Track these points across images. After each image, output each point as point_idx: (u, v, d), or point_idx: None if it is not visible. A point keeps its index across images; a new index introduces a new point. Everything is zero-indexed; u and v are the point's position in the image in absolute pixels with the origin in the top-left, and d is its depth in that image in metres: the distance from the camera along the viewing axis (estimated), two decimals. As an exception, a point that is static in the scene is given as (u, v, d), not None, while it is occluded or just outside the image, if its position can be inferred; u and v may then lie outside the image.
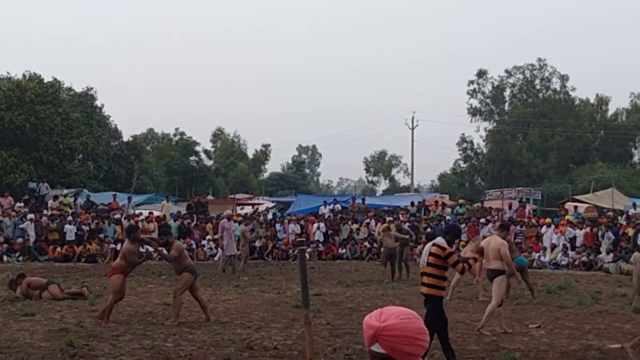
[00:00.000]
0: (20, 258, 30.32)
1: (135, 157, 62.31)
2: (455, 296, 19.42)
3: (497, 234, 14.94)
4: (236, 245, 26.53)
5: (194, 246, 33.93)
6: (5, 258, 29.93)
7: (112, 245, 32.09)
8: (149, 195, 50.61)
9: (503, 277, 14.02)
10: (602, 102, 79.58)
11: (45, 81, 52.03)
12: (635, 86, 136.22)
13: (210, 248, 34.00)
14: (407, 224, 35.16)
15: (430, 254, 10.85)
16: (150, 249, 19.90)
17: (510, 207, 38.22)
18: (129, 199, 39.25)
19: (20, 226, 32.25)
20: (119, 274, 14.56)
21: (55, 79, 57.35)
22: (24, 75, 51.19)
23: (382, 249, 26.11)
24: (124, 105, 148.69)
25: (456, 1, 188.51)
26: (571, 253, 31.79)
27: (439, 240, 11.08)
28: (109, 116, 64.04)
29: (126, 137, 65.84)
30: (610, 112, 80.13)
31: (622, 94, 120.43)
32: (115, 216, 35.25)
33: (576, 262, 30.85)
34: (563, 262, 31.05)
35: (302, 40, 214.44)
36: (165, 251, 15.09)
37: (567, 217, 35.83)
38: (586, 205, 41.06)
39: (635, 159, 79.00)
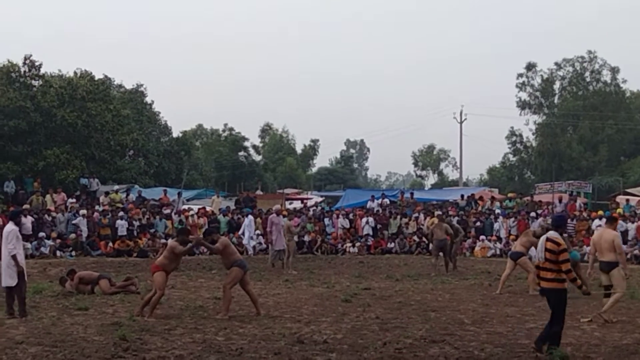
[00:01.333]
0: (73, 253, 30.72)
1: (185, 152, 62.64)
2: (506, 290, 19.30)
3: (607, 226, 15.24)
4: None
5: (244, 241, 34.11)
6: (58, 253, 30.32)
7: (163, 240, 32.33)
8: (199, 191, 50.95)
9: (619, 267, 14.34)
10: (653, 94, 78.55)
11: (96, 78, 52.47)
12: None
13: (260, 242, 34.15)
14: (456, 218, 35.03)
15: (546, 249, 11.12)
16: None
17: (560, 200, 37.82)
18: (179, 194, 39.53)
19: (73, 222, 32.69)
20: (160, 271, 14.71)
21: (106, 76, 57.82)
22: (75, 73, 51.62)
23: (432, 241, 26.16)
24: (173, 101, 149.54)
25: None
26: (623, 246, 31.36)
27: (553, 234, 11.29)
28: (159, 112, 64.50)
29: (176, 133, 66.26)
30: (662, 104, 79.04)
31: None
32: (166, 211, 35.55)
33: (628, 256, 30.46)
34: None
35: (349, 34, 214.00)
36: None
37: (618, 210, 35.36)
38: (638, 198, 40.57)
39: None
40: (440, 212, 30.86)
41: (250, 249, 32.88)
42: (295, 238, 28.39)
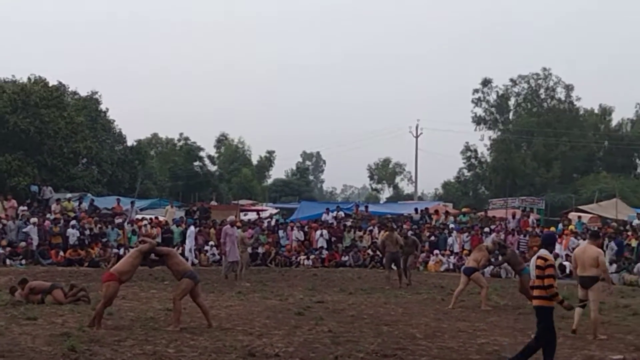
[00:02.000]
0: (24, 262, 30.35)
1: (139, 161, 62.29)
2: (459, 305, 19.38)
3: (590, 242, 15.26)
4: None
5: (185, 252, 33.97)
6: (8, 262, 29.95)
7: (115, 250, 32.11)
8: (153, 200, 50.61)
9: (600, 283, 14.52)
10: (606, 112, 79.72)
11: (50, 85, 52.09)
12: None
13: (213, 254, 34.00)
14: (410, 232, 35.17)
15: (537, 266, 11.24)
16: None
17: (513, 216, 38.14)
18: (132, 203, 39.24)
19: (24, 230, 32.29)
20: (115, 281, 14.45)
21: (60, 82, 57.47)
22: (29, 79, 51.23)
23: (385, 254, 26.25)
24: (128, 109, 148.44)
25: (461, 9, 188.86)
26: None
27: (543, 252, 11.39)
28: (114, 120, 64.11)
29: (130, 142, 65.90)
30: (614, 122, 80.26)
31: (626, 104, 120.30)
32: (119, 221, 35.26)
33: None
34: (566, 272, 30.96)
35: (312, 35, 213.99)
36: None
37: (570, 227, 35.77)
38: (590, 215, 41.06)
39: (640, 169, 79.04)
40: (394, 226, 30.95)
41: (191, 259, 32.23)
42: (249, 250, 28.33)
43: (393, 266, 25.58)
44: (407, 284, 25.54)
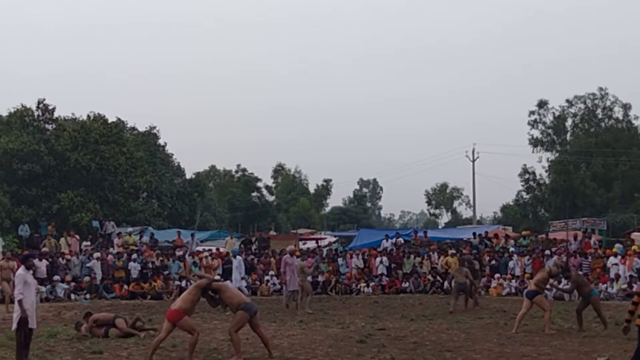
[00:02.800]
0: (88, 296, 30.76)
1: (198, 194, 62.91)
2: (522, 329, 19.16)
3: None
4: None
5: (258, 282, 34.11)
6: (73, 296, 30.37)
7: (177, 282, 32.36)
8: (212, 232, 50.99)
9: None
10: (665, 129, 78.42)
11: (109, 121, 52.94)
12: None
13: (274, 283, 34.11)
14: (471, 256, 34.93)
15: None
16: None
17: (575, 238, 37.63)
18: (193, 235, 39.62)
19: (87, 265, 32.78)
20: (183, 315, 14.41)
21: (118, 119, 58.47)
22: (88, 116, 52.10)
23: (452, 283, 26.45)
24: (186, 142, 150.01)
25: (515, 32, 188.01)
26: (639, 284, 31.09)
27: None
28: (172, 154, 64.95)
29: (189, 175, 66.63)
30: (673, 139, 78.85)
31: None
32: (179, 253, 35.56)
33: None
34: (631, 292, 30.40)
35: (358, 70, 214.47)
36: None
37: (633, 247, 35.12)
38: (653, 234, 40.35)
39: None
40: (458, 254, 30.85)
41: (242, 289, 32.02)
42: (309, 278, 28.39)
43: (461, 294, 25.79)
44: (474, 305, 25.74)
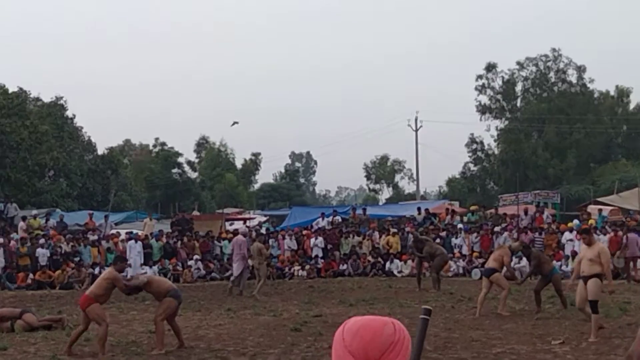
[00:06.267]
0: (-12, 287, 30.34)
1: (111, 171, 62.33)
2: (469, 312, 19.41)
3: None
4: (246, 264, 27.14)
5: (180, 267, 33.98)
6: (-29, 288, 29.95)
7: (90, 270, 32.05)
8: (129, 213, 50.58)
9: None
10: (623, 94, 79.49)
11: (10, 91, 52.08)
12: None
13: (198, 269, 34.03)
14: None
15: None
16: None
17: (526, 212, 38.13)
18: (106, 217, 39.19)
19: (-13, 252, 32.27)
20: (95, 303, 14.35)
21: (20, 88, 57.43)
22: (-16, 86, 51.25)
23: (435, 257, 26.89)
24: (97, 114, 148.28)
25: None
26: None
27: None
28: (82, 127, 64.09)
29: (101, 150, 65.89)
30: (633, 104, 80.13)
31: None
32: (92, 237, 35.19)
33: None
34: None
35: (289, 33, 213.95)
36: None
37: (590, 221, 35.66)
38: (610, 207, 41.05)
39: (663, 155, 79.08)
40: (395, 230, 31.13)
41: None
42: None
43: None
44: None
